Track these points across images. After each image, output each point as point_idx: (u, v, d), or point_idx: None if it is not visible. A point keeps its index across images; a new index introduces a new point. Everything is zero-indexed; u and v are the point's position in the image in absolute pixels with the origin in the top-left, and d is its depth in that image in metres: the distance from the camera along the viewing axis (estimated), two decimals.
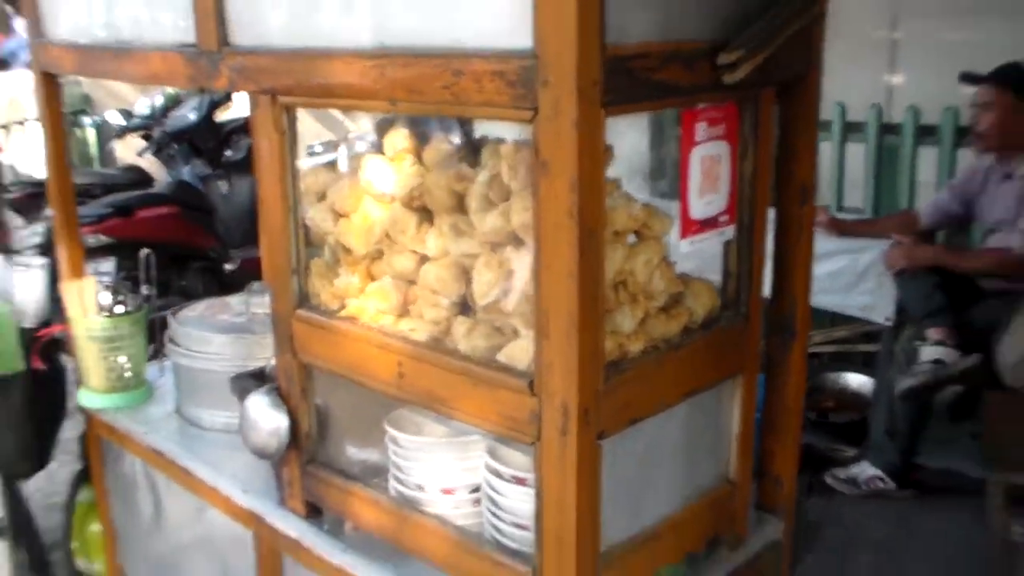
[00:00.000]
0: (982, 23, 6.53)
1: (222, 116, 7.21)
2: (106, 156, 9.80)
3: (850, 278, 4.99)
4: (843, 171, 5.84)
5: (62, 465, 3.96)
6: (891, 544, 4.37)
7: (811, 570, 4.11)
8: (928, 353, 4.44)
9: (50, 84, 3.14)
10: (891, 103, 6.38)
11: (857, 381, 5.45)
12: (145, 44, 2.61)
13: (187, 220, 6.52)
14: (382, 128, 2.34)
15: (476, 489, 2.23)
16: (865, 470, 4.73)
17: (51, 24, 2.99)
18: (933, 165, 5.58)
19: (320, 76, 2.06)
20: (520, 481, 2.07)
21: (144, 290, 3.25)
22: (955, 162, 5.49)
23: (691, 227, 2.02)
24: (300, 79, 2.12)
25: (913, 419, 4.60)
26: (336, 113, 6.89)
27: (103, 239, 5.79)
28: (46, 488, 4.83)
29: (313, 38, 2.08)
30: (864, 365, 5.59)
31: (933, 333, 4.48)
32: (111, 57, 2.75)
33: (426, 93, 1.85)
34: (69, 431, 3.49)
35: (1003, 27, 6.23)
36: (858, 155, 5.77)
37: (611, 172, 1.89)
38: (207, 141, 7.06)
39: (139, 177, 7.01)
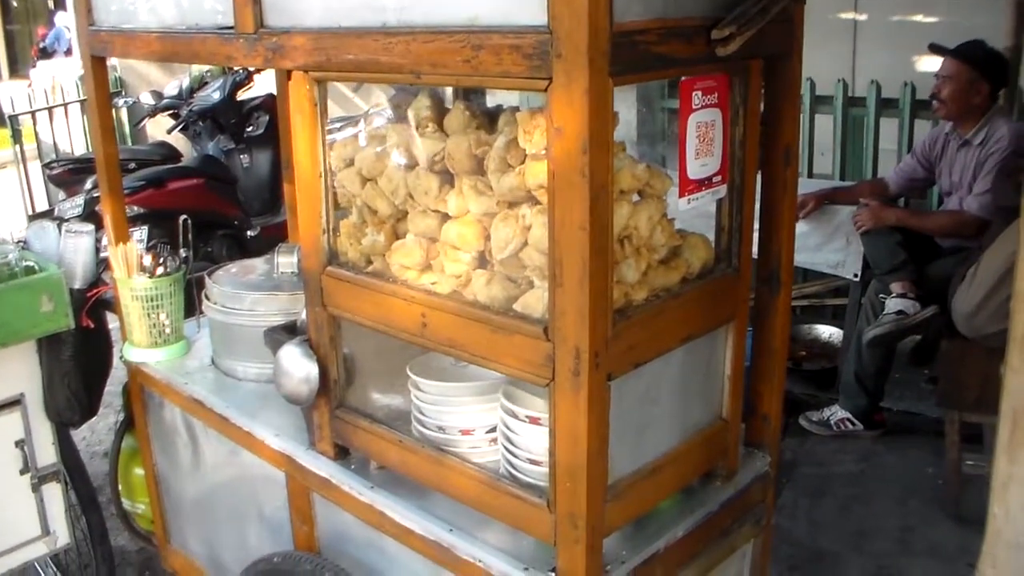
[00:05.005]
0: (934, 6, 6.53)
1: (243, 95, 7.20)
2: (137, 134, 9.76)
3: (821, 238, 4.99)
4: (813, 140, 5.84)
5: (101, 417, 3.96)
6: (859, 479, 4.41)
7: (789, 503, 4.14)
8: (892, 305, 4.46)
9: (99, 66, 3.10)
10: (855, 78, 6.38)
11: (827, 332, 5.48)
12: (188, 27, 2.59)
13: (212, 191, 6.51)
14: (396, 102, 2.33)
15: (492, 429, 2.24)
16: (836, 413, 4.76)
17: (100, 12, 2.96)
18: (894, 134, 5.58)
19: (350, 52, 2.06)
20: (534, 421, 2.08)
21: (182, 253, 3.24)
22: (913, 131, 5.50)
23: (688, 186, 2.02)
24: (331, 56, 2.11)
25: (879, 365, 4.62)
26: (346, 91, 6.85)
27: (137, 209, 5.77)
28: (89, 438, 4.85)
29: (343, 18, 2.07)
30: (834, 317, 5.62)
31: (896, 287, 4.50)
32: (155, 40, 2.73)
33: (448, 66, 1.86)
34: (108, 386, 3.48)
35: (953, 9, 6.24)
36: (826, 126, 5.76)
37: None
38: (230, 118, 7.06)
39: (168, 152, 7.02)
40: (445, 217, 2.13)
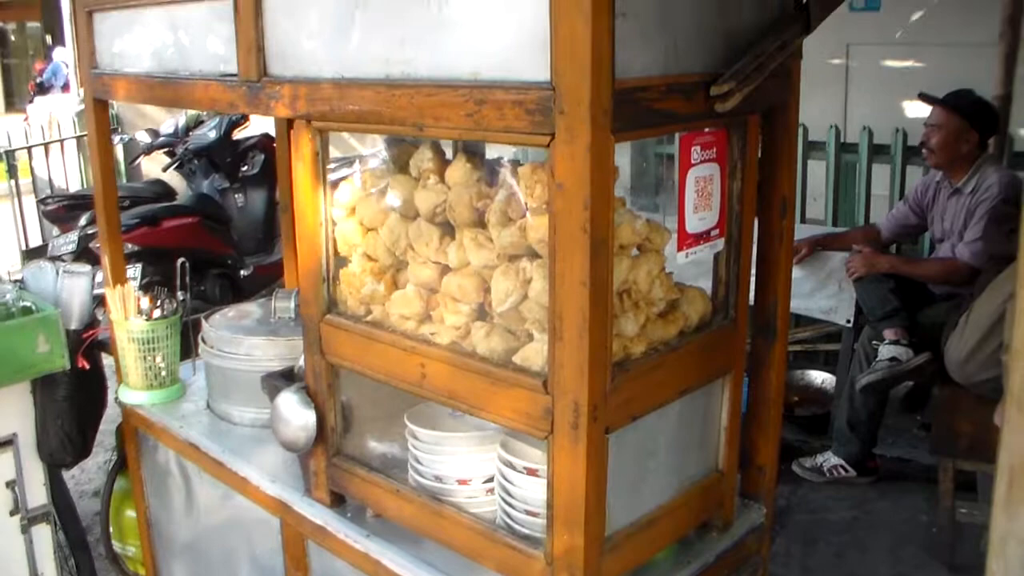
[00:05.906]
0: (923, 53, 6.60)
1: (238, 135, 7.22)
2: (132, 171, 9.77)
3: (814, 284, 5.01)
4: (805, 186, 5.86)
5: (92, 456, 3.94)
6: (852, 526, 4.39)
7: (782, 550, 4.12)
8: (885, 351, 4.47)
9: (101, 109, 3.13)
10: (847, 124, 6.42)
11: (820, 378, 5.47)
12: (191, 73, 2.61)
13: (207, 229, 6.53)
14: (392, 147, 2.34)
15: (490, 480, 2.22)
16: (829, 459, 4.75)
17: (103, 55, 2.98)
18: (886, 180, 5.61)
19: (352, 103, 2.07)
20: (532, 472, 2.07)
21: (179, 295, 3.24)
22: (905, 177, 5.53)
23: (687, 240, 2.03)
24: (334, 106, 2.12)
25: (872, 412, 4.62)
26: (344, 134, 6.87)
27: (131, 247, 5.78)
28: (79, 476, 4.82)
29: (347, 69, 2.09)
30: (826, 363, 5.62)
31: (889, 333, 4.51)
32: (159, 85, 2.75)
33: (451, 119, 1.87)
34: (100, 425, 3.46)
35: (941, 57, 6.30)
36: (819, 171, 5.79)
37: None
38: (225, 157, 7.07)
39: (163, 190, 7.04)
40: (445, 268, 2.14)
